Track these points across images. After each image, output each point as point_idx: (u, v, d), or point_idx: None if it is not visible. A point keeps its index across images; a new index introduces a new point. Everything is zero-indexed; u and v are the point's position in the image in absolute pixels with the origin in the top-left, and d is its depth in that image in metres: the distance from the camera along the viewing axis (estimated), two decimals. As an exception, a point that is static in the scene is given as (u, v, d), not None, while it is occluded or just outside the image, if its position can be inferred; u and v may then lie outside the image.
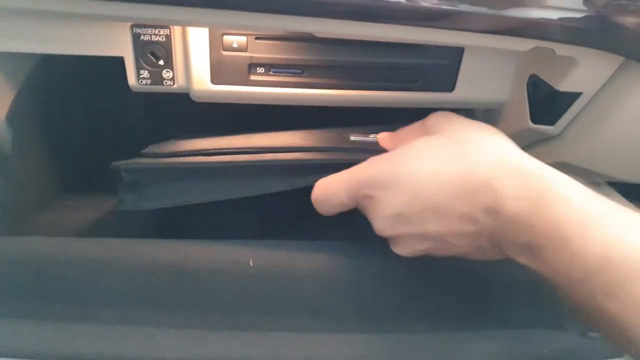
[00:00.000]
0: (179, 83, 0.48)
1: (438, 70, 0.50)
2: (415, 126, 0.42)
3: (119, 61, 0.47)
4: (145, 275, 0.39)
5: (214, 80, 0.48)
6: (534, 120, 0.50)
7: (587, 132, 0.48)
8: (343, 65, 0.49)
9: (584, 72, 0.43)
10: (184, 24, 0.45)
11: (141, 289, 0.39)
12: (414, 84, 0.50)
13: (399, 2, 0.35)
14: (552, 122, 0.49)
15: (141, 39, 0.45)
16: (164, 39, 0.46)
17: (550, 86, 0.46)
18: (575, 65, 0.42)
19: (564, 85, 0.45)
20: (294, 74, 0.49)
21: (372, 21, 0.37)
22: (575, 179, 0.33)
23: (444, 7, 0.36)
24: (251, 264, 0.40)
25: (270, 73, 0.48)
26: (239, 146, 0.45)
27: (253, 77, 0.48)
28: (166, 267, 0.39)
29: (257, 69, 0.48)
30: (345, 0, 0.35)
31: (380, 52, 0.48)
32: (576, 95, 0.46)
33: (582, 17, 0.38)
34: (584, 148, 0.49)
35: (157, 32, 0.45)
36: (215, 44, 0.46)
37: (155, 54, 0.46)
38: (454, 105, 0.53)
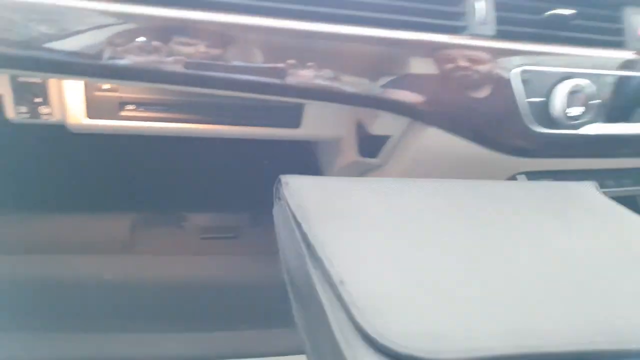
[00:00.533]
0: (56, 117, 0.55)
1: (285, 110, 0.60)
2: None
3: None
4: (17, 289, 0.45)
5: (89, 115, 0.56)
6: (362, 154, 0.62)
7: (402, 163, 0.60)
8: (202, 104, 0.58)
9: (385, 122, 0.55)
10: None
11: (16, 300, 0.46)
12: (264, 120, 0.61)
13: (243, 79, 0.45)
14: (375, 156, 0.61)
15: (19, 80, 0.52)
16: (41, 80, 0.52)
17: (366, 129, 0.58)
18: (377, 117, 0.54)
19: (375, 130, 0.56)
20: (160, 110, 0.57)
21: (217, 88, 0.46)
22: None
23: (279, 82, 0.46)
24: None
25: (140, 109, 0.57)
26: None
27: (123, 113, 0.56)
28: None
29: (127, 106, 0.56)
30: (183, 70, 0.44)
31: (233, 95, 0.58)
32: (387, 137, 0.58)
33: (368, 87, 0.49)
34: (402, 174, 0.62)
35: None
36: (90, 85, 0.54)
37: (33, 92, 0.53)
38: (301, 139, 0.64)
